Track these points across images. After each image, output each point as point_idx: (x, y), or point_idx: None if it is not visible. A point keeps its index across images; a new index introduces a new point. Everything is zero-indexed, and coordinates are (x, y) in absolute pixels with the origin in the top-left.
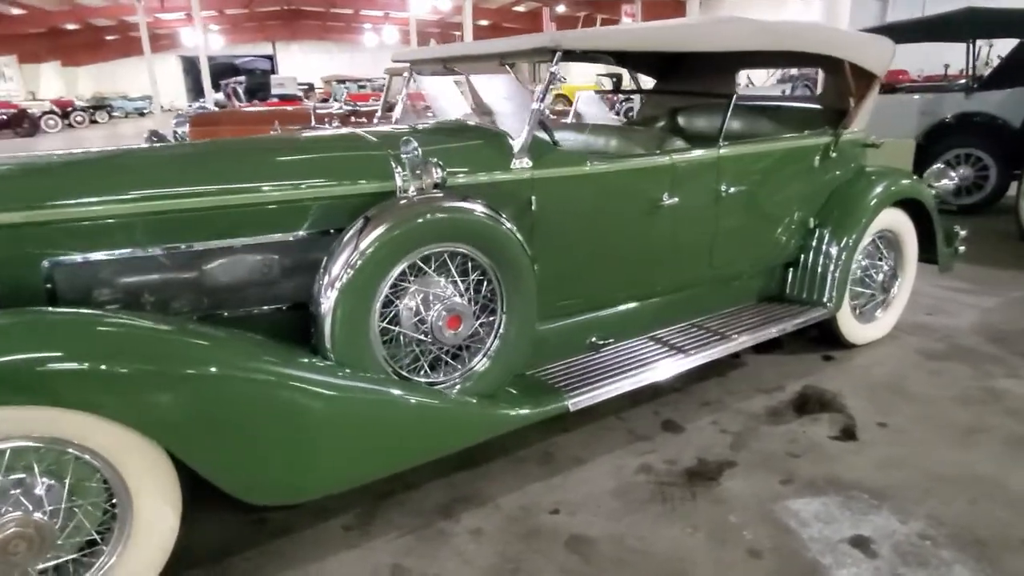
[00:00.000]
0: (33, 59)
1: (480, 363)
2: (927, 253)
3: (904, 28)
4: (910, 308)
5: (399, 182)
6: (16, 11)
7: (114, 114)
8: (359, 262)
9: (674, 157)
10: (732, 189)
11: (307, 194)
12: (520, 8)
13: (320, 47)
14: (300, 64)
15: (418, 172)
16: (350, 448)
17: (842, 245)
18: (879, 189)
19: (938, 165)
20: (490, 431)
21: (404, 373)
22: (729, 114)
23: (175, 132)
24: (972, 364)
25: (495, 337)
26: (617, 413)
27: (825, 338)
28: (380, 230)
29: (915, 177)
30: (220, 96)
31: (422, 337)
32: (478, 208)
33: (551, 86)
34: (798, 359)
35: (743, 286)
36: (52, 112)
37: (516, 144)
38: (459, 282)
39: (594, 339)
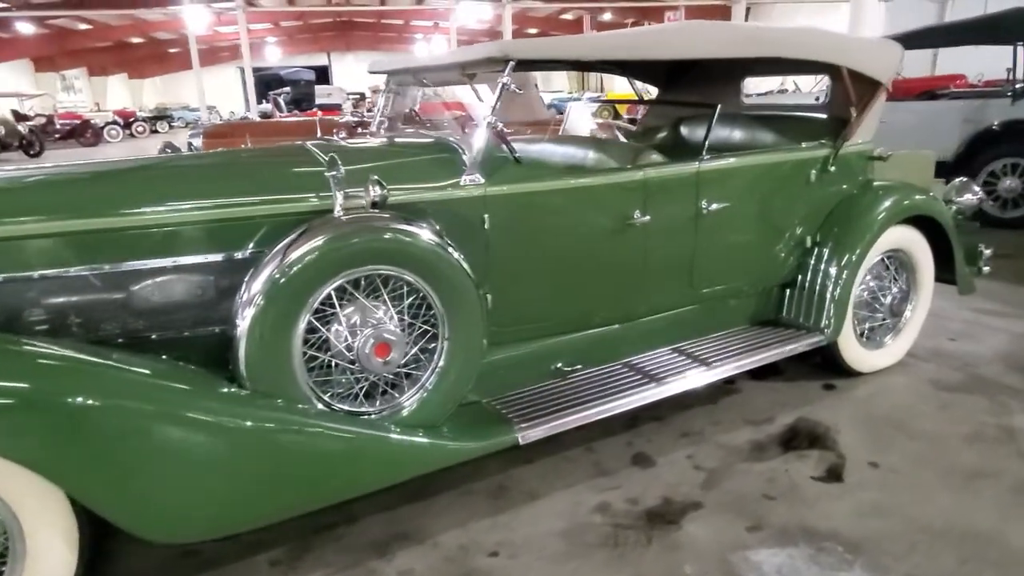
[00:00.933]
0: (101, 72)
1: (420, 392)
2: (947, 273)
3: (946, 31)
4: (931, 332)
5: (337, 198)
6: (83, 26)
7: (174, 124)
8: (274, 284)
9: (647, 172)
10: (715, 206)
11: (238, 213)
12: (568, 16)
13: (373, 57)
14: (355, 73)
15: (345, 191)
16: (256, 483)
17: (842, 266)
18: (885, 205)
19: (960, 179)
20: (424, 466)
21: (333, 402)
22: (713, 125)
23: (189, 143)
24: (990, 397)
25: (436, 365)
26: (587, 443)
27: (828, 365)
28: (298, 251)
29: (931, 193)
30: (266, 106)
31: (349, 365)
32: (412, 229)
33: (501, 97)
34: (796, 387)
35: (733, 309)
36: (115, 123)
37: (467, 159)
38: (392, 307)
39: (560, 365)
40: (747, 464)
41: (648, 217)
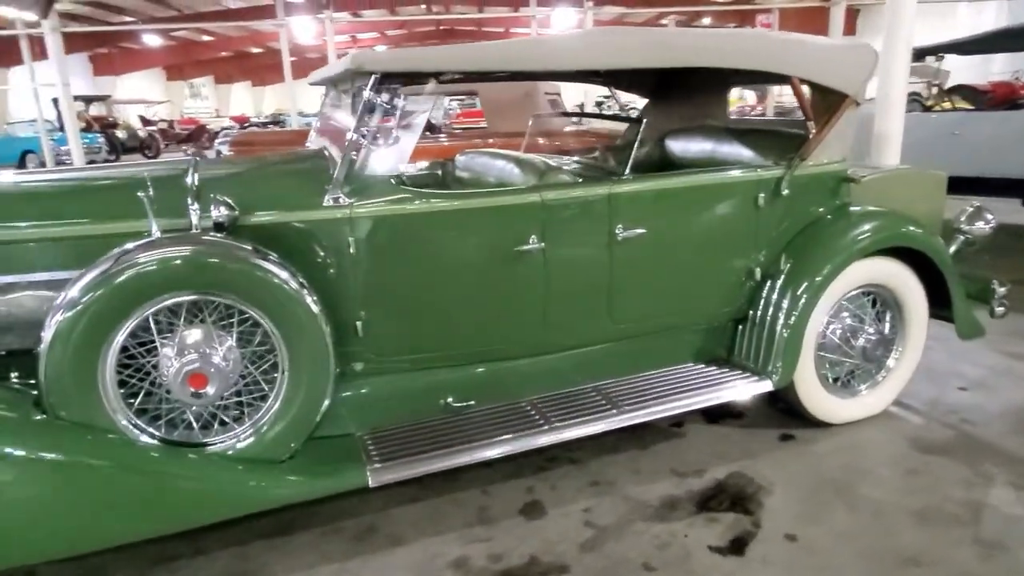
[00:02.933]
0: (227, 79)
1: (260, 425)
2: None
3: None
4: (941, 377)
5: (190, 220)
6: (205, 38)
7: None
8: (77, 307)
9: (544, 195)
10: (633, 232)
11: (63, 233)
12: (664, 22)
13: None
14: None
15: (199, 212)
16: (46, 514)
17: (794, 302)
18: (851, 235)
19: (974, 204)
20: (250, 505)
21: (160, 430)
22: (638, 143)
23: (218, 151)
24: (972, 464)
25: (278, 397)
26: (486, 484)
27: (793, 412)
28: (96, 274)
29: (934, 218)
30: None
31: (165, 394)
32: (239, 253)
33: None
34: (749, 435)
35: (673, 345)
36: (229, 127)
37: (336, 177)
38: (229, 335)
39: (450, 400)
40: (646, 524)
41: (543, 244)
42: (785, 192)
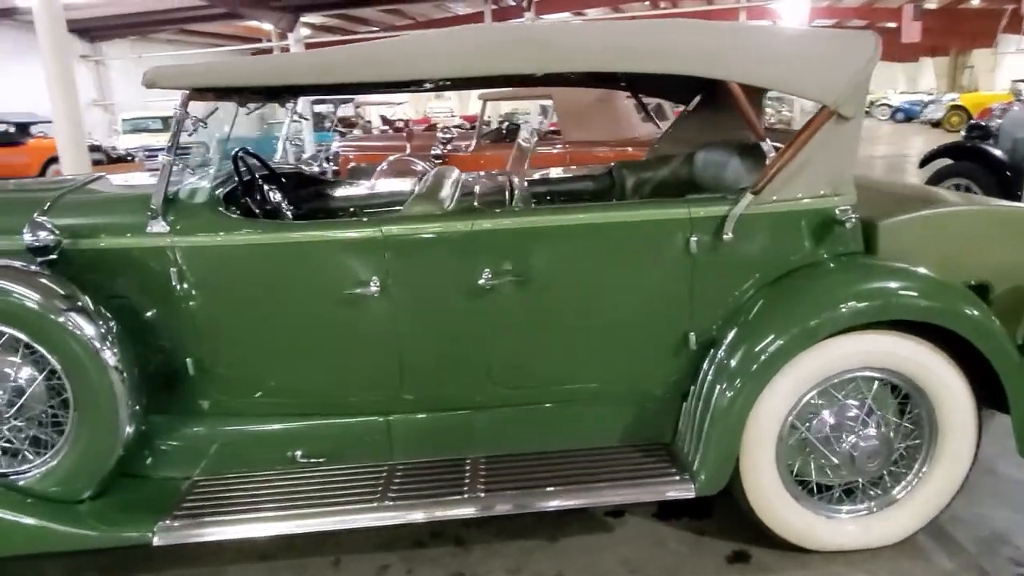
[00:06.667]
0: None
1: (48, 462)
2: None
3: None
4: (1000, 497)
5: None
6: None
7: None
8: None
9: (386, 230)
10: (505, 279)
11: None
12: (931, 5)
13: None
14: None
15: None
16: None
17: (731, 383)
18: (828, 298)
19: None
20: (21, 545)
21: None
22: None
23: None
24: None
25: (67, 436)
26: (343, 553)
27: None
28: None
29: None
30: None
31: None
32: (24, 284)
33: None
34: (695, 544)
35: (597, 419)
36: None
37: (153, 202)
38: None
39: (298, 454)
40: None
41: (383, 287)
42: (728, 237)
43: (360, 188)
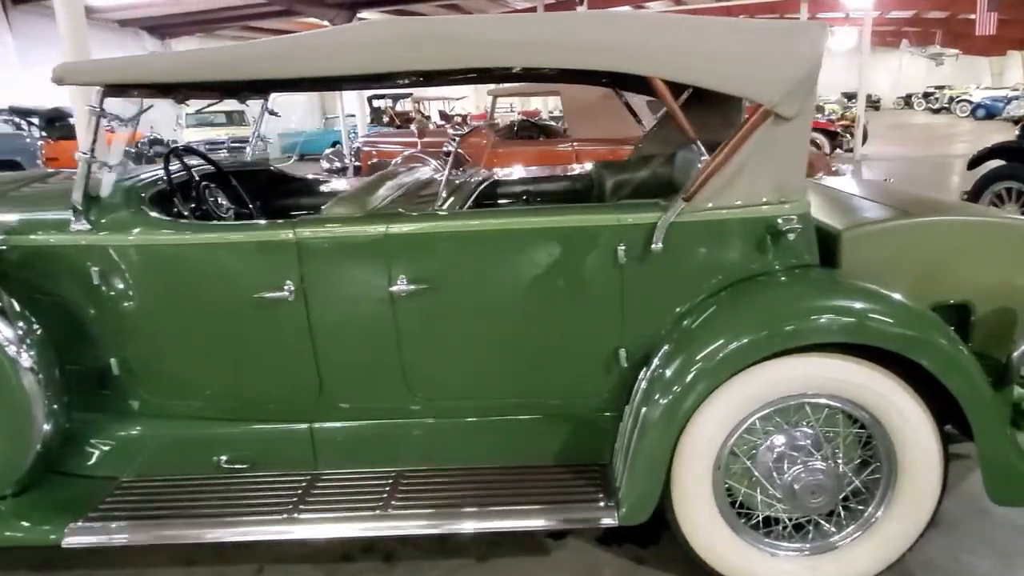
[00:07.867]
0: None
1: None
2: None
3: None
4: (986, 541)
5: None
6: None
7: None
8: None
9: (299, 232)
10: (418, 286)
11: None
12: None
13: None
14: None
15: None
16: None
17: (655, 405)
18: (764, 316)
19: None
20: None
21: None
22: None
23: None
24: None
25: None
26: (270, 563)
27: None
28: None
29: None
30: None
31: None
32: None
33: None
34: (630, 573)
35: (529, 435)
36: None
37: (73, 199)
38: None
39: (223, 459)
40: None
41: (296, 290)
42: (657, 246)
43: (334, 186)
